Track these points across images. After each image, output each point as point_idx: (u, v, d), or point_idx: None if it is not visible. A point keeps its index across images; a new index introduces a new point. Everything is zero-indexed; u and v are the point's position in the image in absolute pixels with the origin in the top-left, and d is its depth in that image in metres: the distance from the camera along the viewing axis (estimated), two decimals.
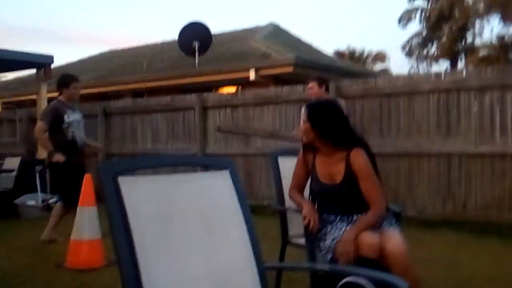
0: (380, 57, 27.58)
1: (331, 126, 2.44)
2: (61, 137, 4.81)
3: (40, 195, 6.90)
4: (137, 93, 10.72)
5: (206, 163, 1.71)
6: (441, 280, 3.41)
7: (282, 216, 2.94)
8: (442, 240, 4.90)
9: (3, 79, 16.17)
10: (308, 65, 9.37)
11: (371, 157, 2.48)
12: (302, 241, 2.66)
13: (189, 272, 1.47)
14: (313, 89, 5.14)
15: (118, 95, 11.11)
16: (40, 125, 4.84)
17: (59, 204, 4.98)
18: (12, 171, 7.12)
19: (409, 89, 6.01)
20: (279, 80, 9.01)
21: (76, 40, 52.82)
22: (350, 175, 2.39)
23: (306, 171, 2.60)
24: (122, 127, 8.41)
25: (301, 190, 2.64)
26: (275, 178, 2.96)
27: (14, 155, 7.70)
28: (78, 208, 4.08)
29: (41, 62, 7.68)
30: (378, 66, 26.98)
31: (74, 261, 3.91)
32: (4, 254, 4.47)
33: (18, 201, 6.72)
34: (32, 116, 8.62)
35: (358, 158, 2.39)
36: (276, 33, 12.06)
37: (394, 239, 2.27)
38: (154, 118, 8.08)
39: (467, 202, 5.58)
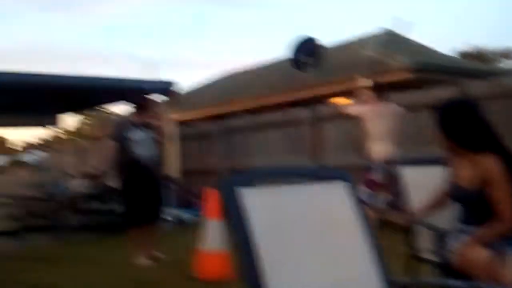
0: (508, 54, 25.08)
1: (458, 127, 2.32)
2: (124, 155, 4.81)
3: (172, 210, 7.42)
4: (252, 111, 11.06)
5: (322, 174, 1.68)
6: None
7: (408, 229, 2.78)
8: None
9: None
10: (427, 69, 8.87)
11: (509, 164, 2.25)
12: (430, 255, 2.53)
13: (312, 286, 1.43)
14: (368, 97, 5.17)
15: (236, 113, 11.59)
16: (107, 143, 5.03)
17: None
18: None
19: None
20: (395, 87, 8.63)
21: (200, 66, 56.48)
22: (480, 181, 2.25)
23: None
24: (240, 143, 8.74)
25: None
26: (399, 189, 2.81)
27: None
28: (207, 221, 4.20)
29: (167, 88, 8.29)
30: (507, 64, 24.53)
31: (204, 273, 4.05)
32: (143, 266, 4.81)
33: None
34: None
35: (491, 164, 2.22)
36: (389, 39, 11.60)
37: (506, 267, 2.08)
38: (270, 133, 8.27)
39: None
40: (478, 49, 25.73)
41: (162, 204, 5.43)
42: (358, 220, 1.60)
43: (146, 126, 5.01)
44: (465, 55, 23.37)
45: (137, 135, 4.82)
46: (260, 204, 1.40)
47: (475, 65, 14.06)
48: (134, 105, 5.06)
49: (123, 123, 5.06)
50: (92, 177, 7.52)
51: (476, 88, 5.98)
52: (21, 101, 7.56)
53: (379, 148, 5.02)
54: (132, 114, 5.05)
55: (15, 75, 6.59)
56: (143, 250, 4.87)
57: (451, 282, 1.72)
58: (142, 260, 4.79)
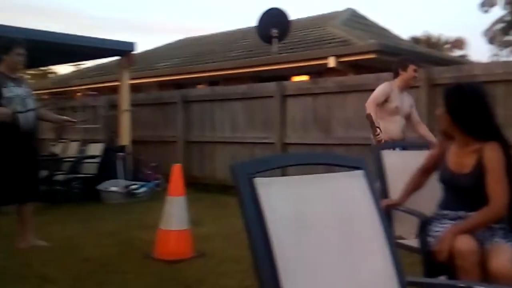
0: (458, 43, 26.01)
1: (467, 113, 2.23)
2: None
3: (122, 181, 7.06)
4: (213, 81, 10.72)
5: (341, 162, 1.53)
6: None
7: (386, 214, 2.69)
8: None
9: (83, 66, 16.80)
10: (391, 52, 8.89)
11: (508, 154, 2.22)
12: (410, 242, 2.48)
13: (330, 285, 1.32)
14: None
15: (194, 83, 11.18)
16: None
17: None
18: (95, 157, 7.30)
19: (509, 77, 5.47)
20: (359, 67, 8.61)
21: (152, 30, 54.20)
22: (480, 168, 2.19)
23: (437, 156, 2.45)
24: (201, 115, 8.41)
25: (425, 172, 2.53)
26: (378, 173, 2.75)
27: (96, 141, 7.92)
28: (168, 198, 3.92)
29: (124, 50, 7.80)
30: (456, 53, 25.46)
31: (162, 252, 3.84)
32: (93, 241, 4.49)
33: (101, 186, 6.90)
34: (114, 103, 8.84)
35: (492, 151, 2.18)
36: (354, 19, 11.62)
37: (502, 256, 2.02)
38: (233, 106, 7.98)
39: None
40: (430, 36, 26.45)
41: (38, 178, 4.39)
42: (376, 214, 1.48)
43: (21, 80, 4.16)
44: (417, 41, 23.92)
45: (13, 90, 3.92)
46: (276, 195, 1.29)
47: (431, 52, 14.35)
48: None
49: None
50: None
51: (439, 74, 6.02)
52: None
53: None
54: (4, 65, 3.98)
55: None
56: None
57: (477, 285, 1.60)
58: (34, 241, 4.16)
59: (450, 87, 2.36)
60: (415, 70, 4.49)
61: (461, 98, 2.25)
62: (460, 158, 2.28)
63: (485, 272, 2.02)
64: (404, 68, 4.48)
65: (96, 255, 3.99)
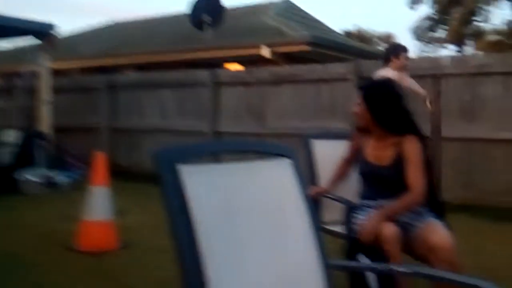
0: (387, 39, 27.11)
1: (385, 109, 2.35)
2: None
3: (41, 171, 6.67)
4: (142, 67, 10.36)
5: (267, 150, 1.54)
6: (463, 269, 3.13)
7: (315, 201, 2.72)
8: (462, 226, 4.51)
9: None
10: (324, 44, 9.04)
11: (424, 146, 2.39)
12: (336, 228, 2.56)
13: (257, 273, 1.33)
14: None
15: (122, 68, 10.76)
16: None
17: None
18: (11, 144, 6.86)
19: (434, 72, 5.75)
20: (292, 58, 8.67)
21: (79, 11, 51.44)
22: (399, 160, 2.32)
23: (355, 148, 2.57)
24: (129, 101, 8.09)
25: (348, 162, 2.64)
26: (308, 162, 2.81)
27: (12, 128, 7.43)
28: (91, 188, 3.80)
29: (41, 30, 7.29)
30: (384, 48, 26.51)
31: (85, 243, 3.69)
32: (9, 235, 4.22)
33: (18, 176, 6.49)
34: (32, 87, 8.28)
35: (411, 144, 2.33)
36: (288, 10, 11.65)
37: (439, 231, 2.19)
38: (163, 93, 7.75)
39: (488, 188, 5.41)
40: (361, 30, 27.38)
41: None
42: (303, 201, 1.49)
43: None
44: (348, 34, 24.64)
45: None
46: (202, 183, 1.26)
47: (362, 46, 14.82)
48: None
49: None
50: None
51: (369, 68, 6.19)
52: None
53: None
54: None
55: None
56: None
57: (399, 267, 1.63)
58: None
59: (367, 85, 2.50)
60: (406, 59, 4.55)
61: (379, 95, 2.37)
62: (379, 151, 2.39)
63: (427, 247, 2.15)
64: (397, 56, 4.54)
65: (13, 250, 3.76)
